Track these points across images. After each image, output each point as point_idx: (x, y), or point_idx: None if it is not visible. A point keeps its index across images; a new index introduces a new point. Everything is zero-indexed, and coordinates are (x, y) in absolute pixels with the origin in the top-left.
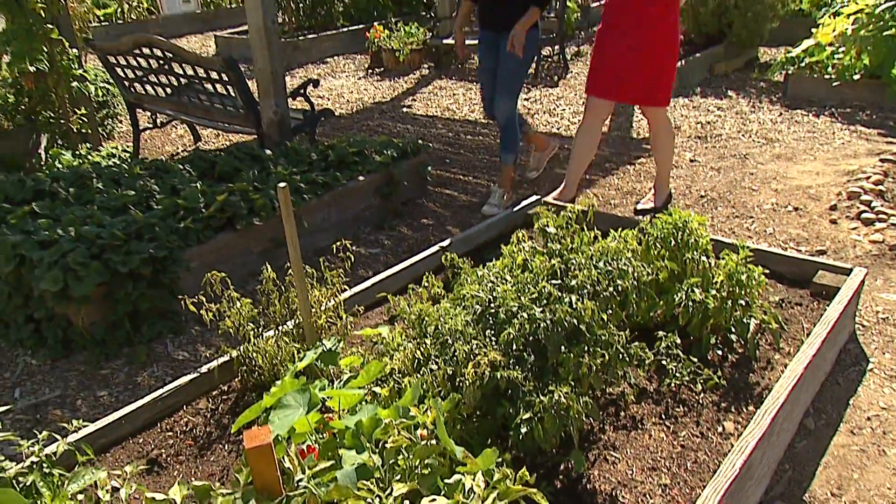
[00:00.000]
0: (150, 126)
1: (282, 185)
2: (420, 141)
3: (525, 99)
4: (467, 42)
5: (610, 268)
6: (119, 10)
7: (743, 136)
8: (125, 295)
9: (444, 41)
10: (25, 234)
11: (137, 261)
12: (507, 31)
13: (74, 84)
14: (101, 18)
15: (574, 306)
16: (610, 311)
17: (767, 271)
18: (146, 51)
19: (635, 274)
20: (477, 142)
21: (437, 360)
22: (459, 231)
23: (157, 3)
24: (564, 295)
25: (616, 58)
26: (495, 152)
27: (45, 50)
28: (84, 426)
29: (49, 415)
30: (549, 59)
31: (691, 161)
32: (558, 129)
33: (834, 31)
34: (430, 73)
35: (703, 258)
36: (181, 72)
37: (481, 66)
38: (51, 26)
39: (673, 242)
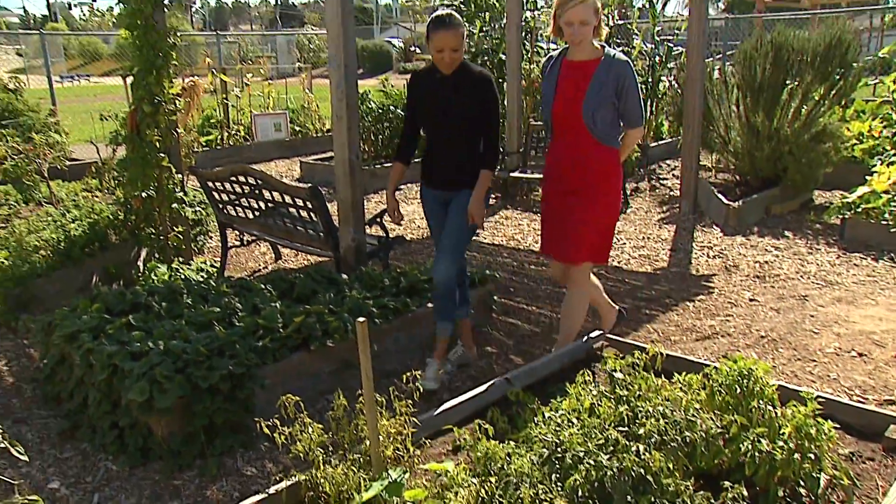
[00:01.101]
0: (237, 244)
1: (361, 319)
2: (487, 271)
3: None
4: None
5: (678, 418)
6: (219, 136)
7: (801, 277)
8: (203, 409)
9: (511, 174)
10: (120, 345)
11: (217, 377)
12: (457, 191)
13: (175, 205)
14: (203, 144)
15: (641, 456)
16: (674, 459)
17: (837, 425)
18: (241, 178)
19: (704, 426)
20: (540, 272)
21: (500, 499)
22: (522, 360)
23: (253, 131)
24: (631, 443)
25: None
26: (559, 283)
27: (156, 175)
28: None
29: None
30: None
31: (750, 300)
32: (619, 262)
33: (889, 179)
34: (497, 203)
35: (770, 408)
36: (270, 197)
37: (432, 227)
38: (162, 155)
39: (738, 390)
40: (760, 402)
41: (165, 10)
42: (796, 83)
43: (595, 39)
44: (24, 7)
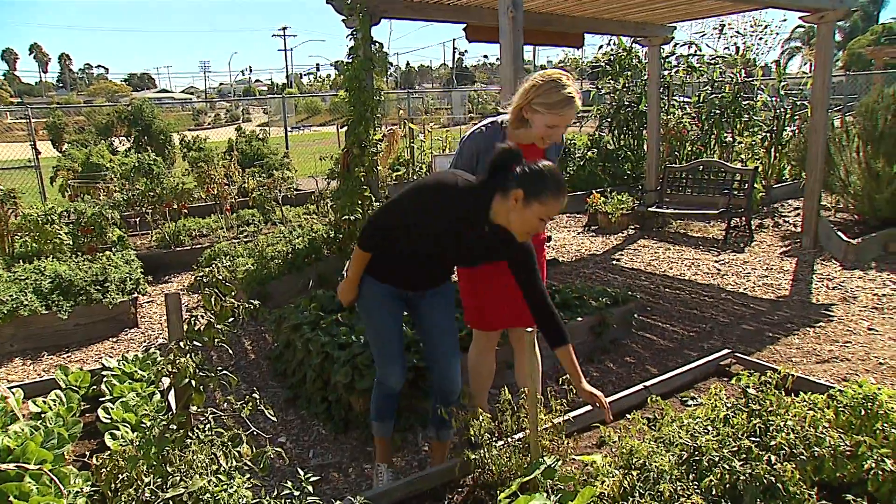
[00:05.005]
0: None
1: (529, 329)
2: (630, 293)
3: (716, 261)
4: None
5: (807, 433)
6: (406, 172)
7: None
8: None
9: (649, 209)
10: (331, 337)
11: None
12: (429, 288)
13: None
14: (394, 179)
15: (772, 464)
16: (802, 470)
17: None
18: None
19: (832, 443)
20: (674, 295)
21: (641, 491)
22: (657, 370)
23: (433, 167)
24: (763, 453)
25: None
26: (690, 305)
27: (360, 203)
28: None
29: (329, 476)
30: (738, 229)
31: (869, 329)
32: (744, 289)
33: None
34: (636, 233)
35: (893, 430)
36: None
37: (388, 325)
38: (365, 187)
39: (863, 412)
40: (885, 424)
41: (374, 75)
42: None
43: None
44: (271, 78)
